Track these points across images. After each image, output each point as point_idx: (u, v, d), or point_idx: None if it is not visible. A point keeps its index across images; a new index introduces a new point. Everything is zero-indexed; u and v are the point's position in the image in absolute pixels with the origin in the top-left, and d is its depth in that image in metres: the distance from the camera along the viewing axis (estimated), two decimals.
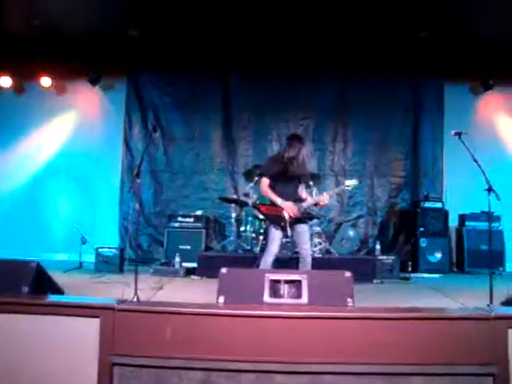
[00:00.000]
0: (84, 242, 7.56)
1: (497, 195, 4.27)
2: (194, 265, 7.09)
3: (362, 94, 8.77)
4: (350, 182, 5.11)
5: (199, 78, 8.87)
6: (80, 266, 7.34)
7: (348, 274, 2.95)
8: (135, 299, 4.06)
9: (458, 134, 4.66)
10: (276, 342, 2.63)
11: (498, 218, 7.82)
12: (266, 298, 2.87)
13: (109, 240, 8.36)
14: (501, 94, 8.79)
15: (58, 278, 4.80)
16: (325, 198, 4.95)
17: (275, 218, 4.88)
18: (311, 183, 7.32)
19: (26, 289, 3.10)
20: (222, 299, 2.86)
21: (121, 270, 7.18)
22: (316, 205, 5.10)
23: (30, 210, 8.82)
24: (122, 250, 7.44)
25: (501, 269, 7.67)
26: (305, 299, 2.87)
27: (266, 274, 2.94)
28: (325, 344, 2.61)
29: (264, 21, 7.26)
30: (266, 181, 4.99)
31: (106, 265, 7.16)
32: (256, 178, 7.17)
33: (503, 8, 6.61)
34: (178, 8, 6.93)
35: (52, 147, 9.03)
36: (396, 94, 8.87)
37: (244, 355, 2.62)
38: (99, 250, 7.31)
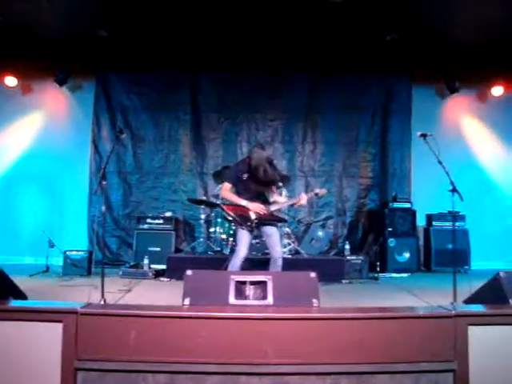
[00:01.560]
0: (52, 245, 7.43)
1: (460, 196, 4.37)
2: (164, 267, 7.06)
3: (331, 95, 8.85)
4: (320, 191, 5.22)
5: (168, 78, 8.81)
6: (47, 270, 7.21)
7: (313, 274, 2.97)
8: (102, 302, 4.03)
9: (424, 136, 4.77)
10: (241, 343, 2.63)
11: (463, 218, 7.99)
12: (232, 299, 2.86)
13: (77, 242, 8.24)
14: (466, 96, 8.98)
15: (24, 282, 4.73)
16: (302, 199, 5.02)
17: (241, 218, 4.89)
18: (280, 184, 7.36)
19: None
20: (187, 301, 2.85)
21: (89, 273, 7.09)
22: (293, 205, 5.17)
23: None
24: (90, 253, 7.36)
25: (466, 267, 7.83)
26: (270, 300, 2.88)
27: (232, 276, 2.94)
28: (290, 345, 2.63)
29: (233, 21, 7.25)
30: (226, 185, 5.02)
31: (74, 268, 7.07)
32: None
33: (468, 11, 6.74)
34: (147, 8, 6.86)
35: (18, 149, 8.83)
36: (365, 95, 8.97)
37: (209, 357, 2.61)
38: (67, 252, 7.20)
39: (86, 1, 6.76)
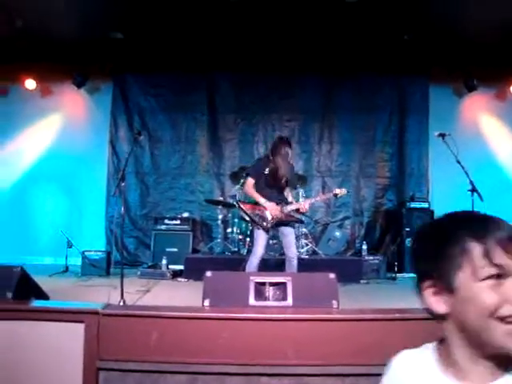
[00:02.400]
0: (70, 245, 7.51)
1: (480, 196, 4.33)
2: (181, 267, 7.09)
3: (348, 95, 8.83)
4: (340, 191, 5.18)
5: (185, 80, 8.86)
6: (66, 270, 7.29)
7: (332, 275, 2.97)
8: (121, 303, 4.07)
9: (442, 136, 4.73)
10: (262, 344, 2.63)
11: None
12: (252, 300, 2.87)
13: (95, 243, 8.32)
14: (484, 94, 8.87)
15: (44, 282, 4.78)
16: (304, 207, 5.03)
17: (258, 217, 4.90)
18: (298, 185, 7.36)
19: (10, 294, 3.08)
20: (207, 302, 2.86)
21: (107, 273, 7.16)
22: (297, 210, 5.15)
23: (15, 214, 8.75)
24: (108, 253, 7.43)
25: None
26: (290, 301, 2.88)
27: (251, 277, 2.95)
28: (310, 346, 2.63)
29: (250, 22, 7.27)
30: (250, 181, 5.02)
31: (93, 268, 7.13)
32: (242, 181, 7.18)
33: (485, 9, 6.67)
34: (163, 10, 6.91)
35: (37, 150, 8.96)
36: (381, 95, 8.93)
37: (230, 358, 2.62)
38: (85, 253, 7.27)
39: (102, 4, 6.83)
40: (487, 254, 0.97)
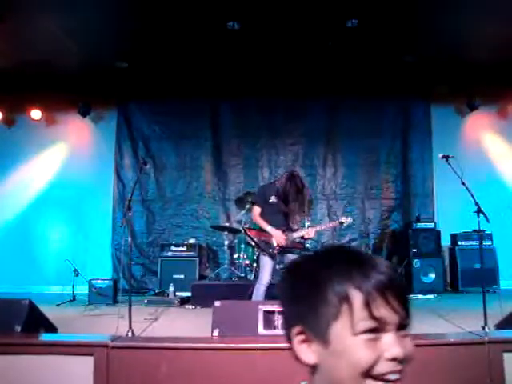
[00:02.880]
0: (77, 273, 7.49)
1: (486, 217, 4.31)
2: (189, 294, 7.06)
3: (350, 118, 8.86)
4: (345, 220, 5.18)
5: (188, 106, 8.93)
6: (73, 299, 7.26)
7: None
8: (130, 334, 4.05)
9: (446, 158, 4.74)
10: (273, 374, 2.62)
11: (489, 236, 7.86)
12: (261, 329, 2.87)
13: (102, 271, 8.32)
14: (486, 113, 8.91)
15: (51, 311, 4.77)
16: (309, 234, 5.02)
17: (264, 244, 4.90)
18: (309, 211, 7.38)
19: (18, 328, 3.08)
20: (216, 332, 2.86)
21: (115, 302, 7.11)
22: (302, 237, 5.14)
23: (21, 243, 8.76)
24: (115, 281, 7.39)
25: (495, 287, 7.67)
26: None
27: (260, 306, 2.95)
28: None
29: (252, 48, 7.36)
30: (257, 209, 5.02)
31: (100, 296, 7.10)
32: (247, 206, 7.19)
33: (484, 29, 6.75)
34: (166, 39, 7.02)
35: (43, 179, 9.01)
36: (384, 116, 8.97)
37: None
38: (92, 281, 7.24)
39: (106, 33, 6.94)
40: (367, 305, 0.86)
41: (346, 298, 0.87)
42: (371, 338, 0.86)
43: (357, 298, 0.86)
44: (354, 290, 0.87)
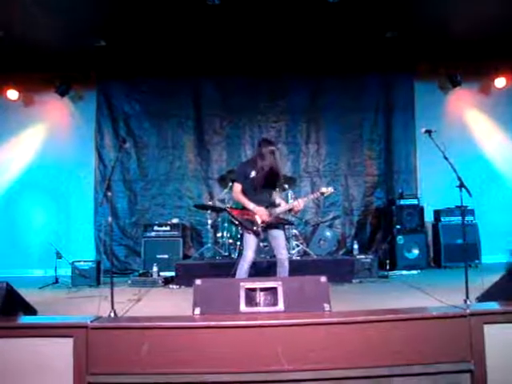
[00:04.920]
0: (60, 256, 7.41)
1: (468, 191, 4.31)
2: (173, 274, 7.03)
3: (333, 95, 8.82)
4: (326, 190, 5.09)
5: (170, 84, 8.80)
6: (56, 282, 7.19)
7: (323, 278, 2.94)
8: (112, 314, 4.01)
9: (428, 132, 4.72)
10: (255, 351, 2.60)
11: (471, 212, 7.93)
12: (243, 307, 2.84)
13: (85, 252, 8.27)
14: (469, 89, 8.92)
15: (34, 294, 4.71)
16: (299, 204, 4.93)
17: (248, 222, 4.85)
18: (286, 186, 7.34)
19: None
20: (197, 311, 2.82)
21: (98, 283, 7.07)
22: (290, 210, 5.08)
23: (3, 226, 8.65)
24: (98, 263, 7.32)
25: (477, 261, 7.77)
26: (281, 306, 2.85)
27: (241, 283, 2.92)
28: (303, 351, 2.60)
29: (233, 25, 7.24)
30: (237, 186, 4.96)
31: (83, 278, 7.04)
32: (230, 184, 7.13)
33: (468, 6, 6.71)
34: (145, 16, 6.85)
35: (22, 161, 8.87)
36: (367, 93, 8.93)
37: (223, 367, 2.59)
38: (75, 263, 7.17)
39: (84, 11, 6.75)
40: None
41: None
42: None
43: None
44: None
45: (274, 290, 2.89)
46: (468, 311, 2.66)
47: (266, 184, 4.91)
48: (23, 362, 2.67)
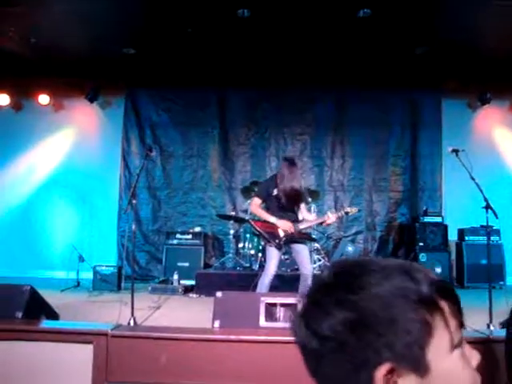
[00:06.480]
0: (82, 259, 7.51)
1: (495, 213, 4.25)
2: (193, 282, 7.05)
3: (360, 109, 8.77)
4: (350, 210, 5.11)
5: (196, 94, 8.88)
6: (78, 285, 7.29)
7: None
8: (131, 322, 4.03)
9: (455, 151, 4.67)
10: (272, 367, 2.59)
11: (497, 232, 7.79)
12: (262, 321, 2.83)
13: (107, 257, 8.35)
14: (498, 107, 8.80)
15: (55, 297, 4.77)
16: (330, 218, 4.93)
17: (270, 235, 4.85)
18: (310, 199, 7.32)
19: (19, 314, 3.07)
20: (217, 324, 2.83)
21: (119, 288, 7.14)
22: (321, 223, 5.09)
23: (27, 228, 8.79)
24: (119, 268, 7.40)
25: (501, 283, 7.62)
26: None
27: (262, 298, 2.91)
28: None
29: (261, 37, 7.28)
30: (256, 201, 4.98)
31: (104, 283, 7.11)
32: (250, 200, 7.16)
33: (498, 23, 6.63)
34: (175, 25, 6.94)
35: (50, 164, 9.01)
36: (394, 109, 8.88)
37: (240, 381, 2.58)
38: (97, 267, 7.26)
39: (115, 20, 6.87)
40: (458, 312, 0.73)
41: (435, 307, 0.71)
42: (461, 351, 0.72)
43: (444, 305, 0.71)
44: (442, 299, 0.72)
45: (294, 306, 2.88)
46: (491, 337, 2.61)
47: (289, 204, 4.92)
48: (44, 366, 2.70)
